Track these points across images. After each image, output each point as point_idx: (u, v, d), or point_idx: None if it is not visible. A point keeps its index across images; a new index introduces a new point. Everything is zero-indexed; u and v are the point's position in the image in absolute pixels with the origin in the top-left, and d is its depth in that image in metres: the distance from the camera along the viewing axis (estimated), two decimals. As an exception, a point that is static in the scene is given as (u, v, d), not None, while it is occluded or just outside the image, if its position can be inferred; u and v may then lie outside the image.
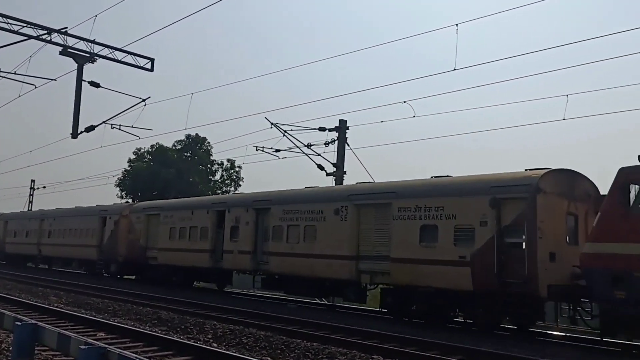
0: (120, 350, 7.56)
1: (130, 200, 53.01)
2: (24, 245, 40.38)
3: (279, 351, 11.01)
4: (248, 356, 10.00)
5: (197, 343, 11.25)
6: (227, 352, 10.18)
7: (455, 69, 17.69)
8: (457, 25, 17.04)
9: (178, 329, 13.36)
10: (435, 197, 15.56)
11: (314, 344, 11.61)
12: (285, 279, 20.16)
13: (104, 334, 12.07)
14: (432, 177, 16.81)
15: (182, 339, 11.65)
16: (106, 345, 7.76)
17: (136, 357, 6.31)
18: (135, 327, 13.15)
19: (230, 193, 55.30)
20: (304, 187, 20.78)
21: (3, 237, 44.33)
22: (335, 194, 19.09)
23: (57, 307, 16.69)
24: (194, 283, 27.15)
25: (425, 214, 15.59)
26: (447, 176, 16.50)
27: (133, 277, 30.60)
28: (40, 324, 9.79)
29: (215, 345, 11.45)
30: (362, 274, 17.28)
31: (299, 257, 19.00)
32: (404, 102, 21.41)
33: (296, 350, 10.96)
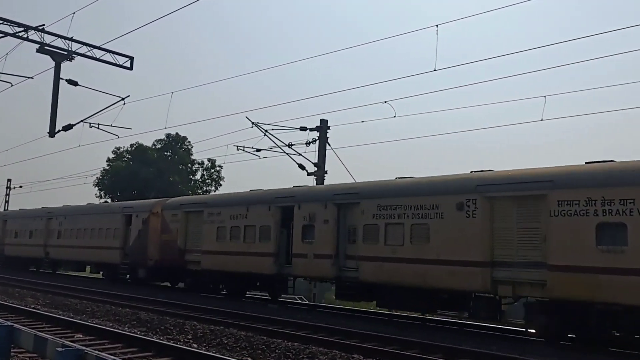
0: (97, 352, 7.47)
1: (109, 200, 52.48)
2: (28, 247, 35.86)
3: (259, 351, 10.97)
4: (228, 356, 9.96)
5: (176, 344, 11.17)
6: (207, 353, 10.13)
7: (435, 70, 17.78)
8: (437, 26, 17.14)
9: (157, 330, 13.24)
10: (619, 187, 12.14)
11: (295, 343, 11.59)
12: (381, 289, 16.60)
13: (81, 336, 11.93)
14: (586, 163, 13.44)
15: (161, 340, 11.56)
16: (83, 347, 7.66)
17: (114, 359, 6.23)
18: (114, 328, 13.00)
19: (212, 192, 54.98)
20: (394, 178, 17.39)
21: (1, 237, 39.68)
22: (457, 184, 15.31)
23: (34, 308, 16.44)
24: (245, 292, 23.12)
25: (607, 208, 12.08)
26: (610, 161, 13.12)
27: (167, 284, 27.12)
28: (16, 325, 9.62)
29: (195, 345, 11.38)
30: (499, 284, 13.87)
31: (404, 263, 15.54)
32: (385, 102, 21.48)
33: (277, 350, 10.93)
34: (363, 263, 16.67)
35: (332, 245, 17.54)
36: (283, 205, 19.59)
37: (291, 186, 20.58)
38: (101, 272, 31.08)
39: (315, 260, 17.99)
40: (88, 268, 34.69)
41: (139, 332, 12.67)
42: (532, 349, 11.94)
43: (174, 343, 11.24)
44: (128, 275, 27.05)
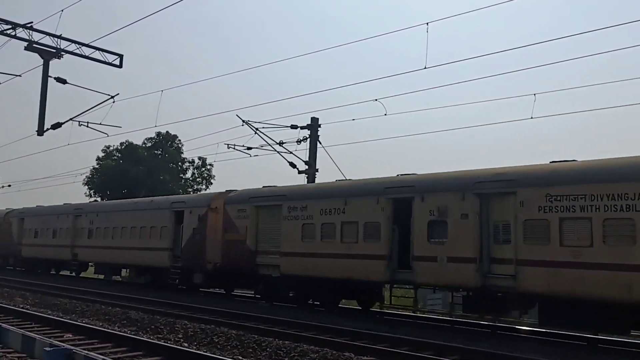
0: (86, 351, 7.42)
1: (99, 199, 52.18)
2: (51, 248, 31.69)
3: (250, 350, 10.95)
4: (219, 356, 9.92)
5: (167, 343, 11.12)
6: (198, 352, 10.10)
7: (426, 67, 17.75)
8: (427, 24, 17.10)
9: (148, 329, 13.18)
10: None
11: (286, 342, 11.58)
12: (551, 303, 12.94)
13: (71, 335, 11.84)
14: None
15: (151, 339, 11.50)
16: (72, 347, 7.62)
17: (103, 358, 6.19)
18: (104, 327, 12.94)
19: (202, 191, 54.76)
20: (549, 162, 14.11)
21: (17, 237, 35.29)
22: None
23: (22, 308, 16.31)
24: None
25: None
26: None
27: (224, 291, 23.91)
28: (4, 325, 9.55)
29: (185, 344, 11.34)
30: None
31: (594, 270, 11.98)
32: (376, 100, 21.41)
33: (268, 349, 10.91)
34: (525, 269, 13.14)
35: (474, 245, 14.08)
36: (397, 197, 16.01)
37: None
38: (142, 278, 26.81)
39: (449, 264, 14.51)
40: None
41: (129, 332, 12.62)
42: (522, 346, 12.00)
43: (164, 342, 11.20)
44: (178, 281, 23.01)
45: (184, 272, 22.65)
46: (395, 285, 16.80)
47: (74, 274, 31.75)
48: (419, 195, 15.39)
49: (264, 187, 20.83)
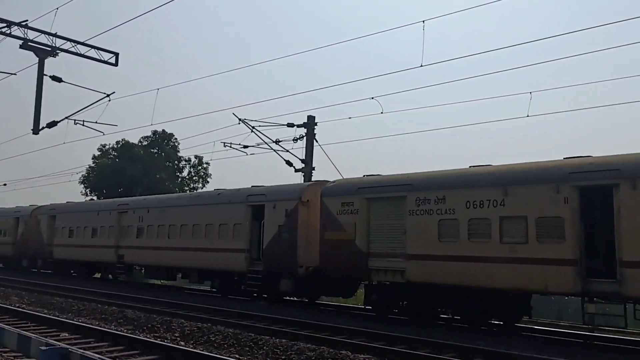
0: (82, 350, 7.40)
1: (95, 198, 52.05)
2: (89, 249, 28.08)
3: (247, 348, 10.93)
4: (216, 354, 9.90)
5: (163, 342, 11.09)
6: (195, 350, 10.08)
7: (422, 65, 17.72)
8: (423, 22, 17.08)
9: (144, 328, 13.16)
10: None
11: (283, 340, 11.57)
12: None
13: (67, 335, 11.80)
14: None
15: (148, 338, 11.47)
16: (67, 346, 7.60)
17: (99, 357, 6.17)
18: (100, 326, 12.90)
19: (200, 189, 54.66)
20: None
21: (48, 237, 31.32)
22: None
23: (18, 307, 16.26)
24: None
25: None
26: None
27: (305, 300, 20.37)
28: (0, 324, 9.51)
29: (182, 343, 11.31)
30: None
31: None
32: (372, 98, 21.33)
33: (265, 347, 10.90)
34: None
35: None
36: (592, 185, 12.49)
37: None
38: (211, 284, 23.53)
39: None
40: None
41: (125, 330, 12.58)
42: (519, 343, 12.02)
43: (161, 341, 11.17)
44: (259, 288, 19.75)
45: (267, 277, 19.33)
46: (588, 299, 12.53)
47: (122, 277, 27.78)
48: (628, 181, 11.83)
49: (366, 175, 17.78)
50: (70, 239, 29.61)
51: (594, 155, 13.07)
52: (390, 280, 15.86)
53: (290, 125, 25.60)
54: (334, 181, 18.78)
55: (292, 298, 20.37)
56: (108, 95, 21.26)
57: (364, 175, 17.72)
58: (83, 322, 13.44)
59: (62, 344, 8.07)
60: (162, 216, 24.19)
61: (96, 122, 22.40)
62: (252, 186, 21.19)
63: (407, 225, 15.45)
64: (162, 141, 56.30)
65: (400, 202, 15.71)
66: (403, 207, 15.61)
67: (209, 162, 55.51)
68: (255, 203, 20.11)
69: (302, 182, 24.02)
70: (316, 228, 17.99)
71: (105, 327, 12.76)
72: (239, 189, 21.53)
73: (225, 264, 20.71)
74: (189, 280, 24.52)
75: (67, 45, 19.35)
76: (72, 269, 30.57)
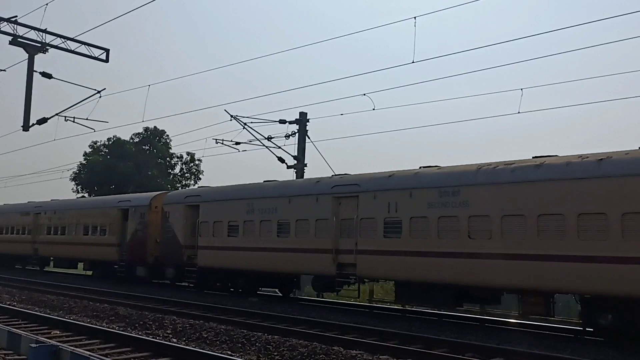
0: (72, 348, 7.37)
1: (86, 195, 51.77)
2: (271, 254, 18.56)
3: (239, 345, 10.93)
4: (208, 351, 9.90)
5: (155, 339, 11.08)
6: (187, 347, 10.07)
7: (414, 62, 17.88)
8: (415, 18, 17.13)
9: (136, 325, 13.12)
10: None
11: (275, 336, 11.57)
12: None
13: (59, 332, 11.75)
14: None
15: (140, 335, 11.45)
16: (58, 343, 7.57)
17: (89, 355, 6.15)
18: (92, 324, 12.86)
19: (191, 187, 54.52)
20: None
21: (186, 236, 21.89)
22: None
23: (9, 304, 16.17)
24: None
25: None
26: None
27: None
28: (-11, 322, 9.47)
29: (174, 340, 11.29)
30: None
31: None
32: (364, 94, 21.39)
33: (257, 344, 10.91)
34: None
35: None
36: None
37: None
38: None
39: None
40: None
41: (117, 328, 12.54)
42: (510, 338, 12.09)
43: (153, 338, 11.15)
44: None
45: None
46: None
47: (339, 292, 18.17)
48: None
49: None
50: (230, 237, 20.23)
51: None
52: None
53: (282, 121, 25.54)
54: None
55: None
56: (99, 92, 21.09)
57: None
58: (75, 320, 13.38)
59: (52, 342, 8.04)
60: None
61: (87, 119, 22.20)
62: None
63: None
64: (154, 138, 56.12)
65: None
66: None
67: (201, 158, 55.43)
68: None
69: (295, 178, 24.37)
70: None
71: (97, 325, 12.73)
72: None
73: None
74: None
75: (57, 42, 19.19)
76: (233, 283, 21.06)
